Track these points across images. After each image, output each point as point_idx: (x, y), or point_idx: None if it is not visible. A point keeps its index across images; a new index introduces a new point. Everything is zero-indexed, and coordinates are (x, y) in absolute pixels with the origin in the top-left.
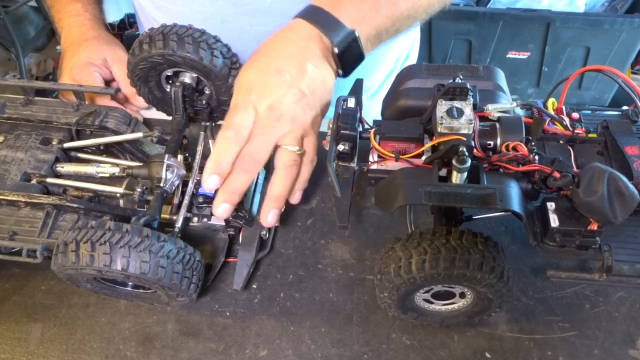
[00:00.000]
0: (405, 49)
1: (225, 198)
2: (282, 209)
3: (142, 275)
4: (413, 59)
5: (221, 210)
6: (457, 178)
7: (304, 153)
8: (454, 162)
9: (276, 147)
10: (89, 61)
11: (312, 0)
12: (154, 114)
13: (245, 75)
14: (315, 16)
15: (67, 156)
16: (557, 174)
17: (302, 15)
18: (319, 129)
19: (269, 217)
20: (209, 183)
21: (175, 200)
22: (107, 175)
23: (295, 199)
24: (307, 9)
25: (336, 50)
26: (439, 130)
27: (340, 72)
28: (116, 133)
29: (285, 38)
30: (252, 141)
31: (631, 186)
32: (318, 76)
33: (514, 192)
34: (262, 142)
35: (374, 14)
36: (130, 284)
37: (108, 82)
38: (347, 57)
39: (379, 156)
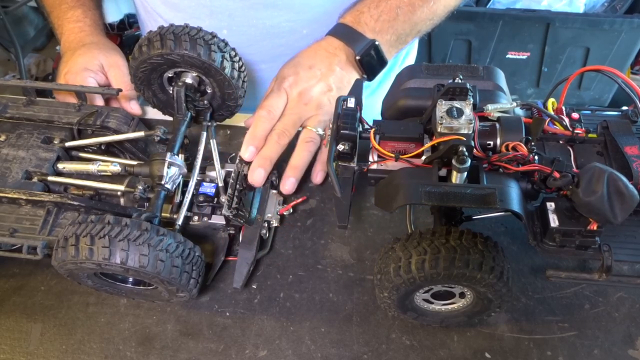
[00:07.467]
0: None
1: (260, 163)
2: (298, 179)
3: (141, 268)
4: (412, 57)
5: (257, 175)
6: (457, 178)
7: (324, 136)
8: (453, 162)
9: (301, 128)
10: (85, 66)
11: (339, 19)
12: (156, 114)
13: (281, 71)
14: (340, 32)
15: (69, 155)
16: (556, 174)
17: (330, 33)
18: None
19: (287, 184)
20: (247, 154)
21: (176, 199)
22: (109, 173)
23: (318, 179)
24: (335, 27)
25: (358, 57)
26: (438, 130)
27: (365, 76)
28: (117, 133)
29: (317, 47)
30: (283, 118)
31: (631, 186)
32: (344, 76)
33: (513, 192)
34: (291, 120)
35: (392, 23)
36: (130, 279)
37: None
38: (370, 63)
39: (379, 156)
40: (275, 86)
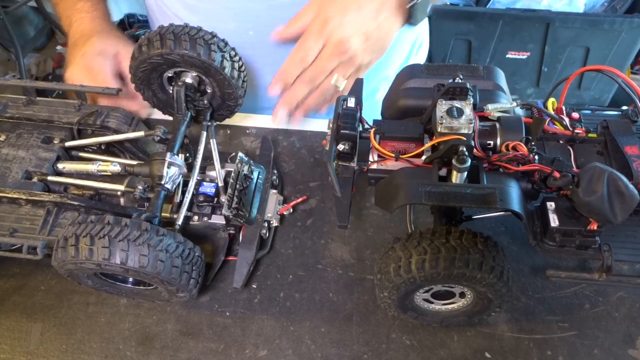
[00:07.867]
0: (420, 36)
1: (287, 103)
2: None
3: (140, 268)
4: (426, 46)
5: (280, 114)
6: (457, 178)
7: (342, 89)
8: (454, 161)
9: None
10: (103, 50)
11: None
12: (156, 114)
13: (326, 5)
14: None
15: (69, 155)
16: (557, 174)
17: None
18: (368, 69)
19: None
20: (274, 89)
21: (176, 199)
22: (109, 173)
23: (325, 110)
24: None
25: (410, 4)
26: (439, 130)
27: (410, 22)
28: (117, 132)
29: None
30: (316, 64)
31: (631, 186)
32: (386, 26)
33: (513, 192)
34: (324, 67)
35: None
36: (130, 279)
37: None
38: (419, 10)
39: (379, 156)
40: (316, 27)
